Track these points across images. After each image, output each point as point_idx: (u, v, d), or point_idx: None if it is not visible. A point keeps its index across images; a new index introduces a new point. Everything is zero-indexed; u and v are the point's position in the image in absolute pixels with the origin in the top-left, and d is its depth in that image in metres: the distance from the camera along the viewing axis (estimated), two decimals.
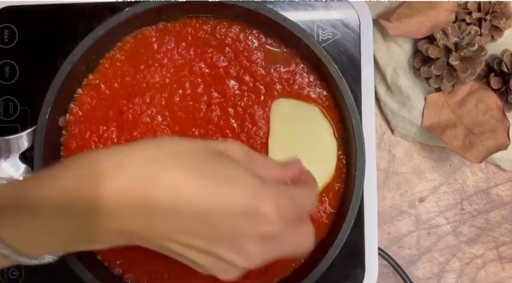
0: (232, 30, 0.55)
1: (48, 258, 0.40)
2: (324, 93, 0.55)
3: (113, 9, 0.55)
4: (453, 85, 0.60)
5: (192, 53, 0.55)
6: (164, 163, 0.34)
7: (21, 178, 0.52)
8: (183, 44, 0.55)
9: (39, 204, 0.35)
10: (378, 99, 0.64)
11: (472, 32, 0.58)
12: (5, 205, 0.36)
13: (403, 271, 0.62)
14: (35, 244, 0.37)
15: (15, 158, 0.52)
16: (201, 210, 0.34)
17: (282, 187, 0.38)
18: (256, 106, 0.55)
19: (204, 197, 0.34)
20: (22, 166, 0.52)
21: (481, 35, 0.59)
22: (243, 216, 0.34)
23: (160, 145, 0.35)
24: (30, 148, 0.51)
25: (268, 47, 0.55)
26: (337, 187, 0.54)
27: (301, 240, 0.39)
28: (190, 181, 0.34)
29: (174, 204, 0.33)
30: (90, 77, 0.54)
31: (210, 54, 0.55)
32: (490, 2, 0.59)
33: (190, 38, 0.55)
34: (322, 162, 0.54)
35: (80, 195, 0.34)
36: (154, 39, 0.55)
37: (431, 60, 0.60)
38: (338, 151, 0.54)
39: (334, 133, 0.54)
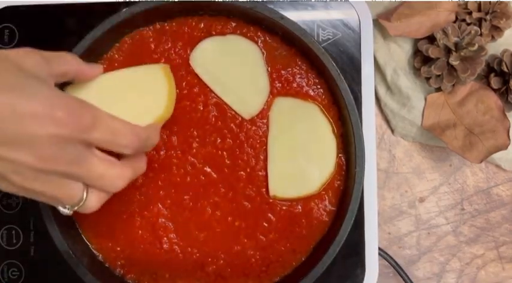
0: (229, 28, 0.55)
1: None
2: (323, 91, 0.55)
3: (113, 9, 0.55)
4: (453, 85, 0.60)
5: (189, 52, 0.55)
6: None
7: None
8: (180, 43, 0.55)
9: None
10: (378, 99, 0.64)
11: (472, 32, 0.58)
12: None
13: (404, 271, 0.62)
14: None
15: None
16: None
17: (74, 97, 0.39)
18: None
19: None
20: None
21: (481, 35, 0.59)
22: (31, 118, 0.35)
23: None
24: None
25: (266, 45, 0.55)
26: (337, 185, 0.54)
27: (100, 167, 0.40)
28: None
29: None
30: None
31: None
32: (490, 2, 0.59)
33: (187, 37, 0.55)
34: (322, 160, 0.54)
35: None
36: (151, 39, 0.55)
37: (431, 60, 0.60)
38: (338, 149, 0.54)
39: (333, 131, 0.54)
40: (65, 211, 0.41)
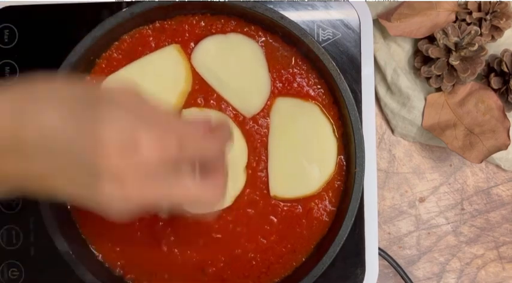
0: (230, 26, 0.55)
1: None
2: (323, 91, 0.55)
3: (112, 9, 0.55)
4: (453, 85, 0.60)
5: (189, 50, 0.55)
6: (35, 107, 0.34)
7: None
8: (179, 39, 0.55)
9: None
10: (378, 99, 0.64)
11: (472, 31, 0.58)
12: None
13: (403, 272, 0.62)
14: None
15: None
16: (72, 151, 0.34)
17: (166, 126, 0.36)
18: None
19: (74, 139, 0.34)
20: None
21: (481, 34, 0.59)
22: (115, 150, 0.33)
23: (33, 91, 0.35)
24: None
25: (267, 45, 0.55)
26: (337, 185, 0.54)
27: (195, 190, 0.38)
28: (60, 124, 0.34)
29: (45, 147, 0.34)
30: (87, 78, 0.54)
31: None
32: (490, 2, 0.59)
33: (187, 35, 0.55)
34: (322, 160, 0.54)
35: None
36: (151, 38, 0.55)
37: (431, 60, 0.59)
38: (338, 149, 0.54)
39: (334, 131, 0.54)
40: None
